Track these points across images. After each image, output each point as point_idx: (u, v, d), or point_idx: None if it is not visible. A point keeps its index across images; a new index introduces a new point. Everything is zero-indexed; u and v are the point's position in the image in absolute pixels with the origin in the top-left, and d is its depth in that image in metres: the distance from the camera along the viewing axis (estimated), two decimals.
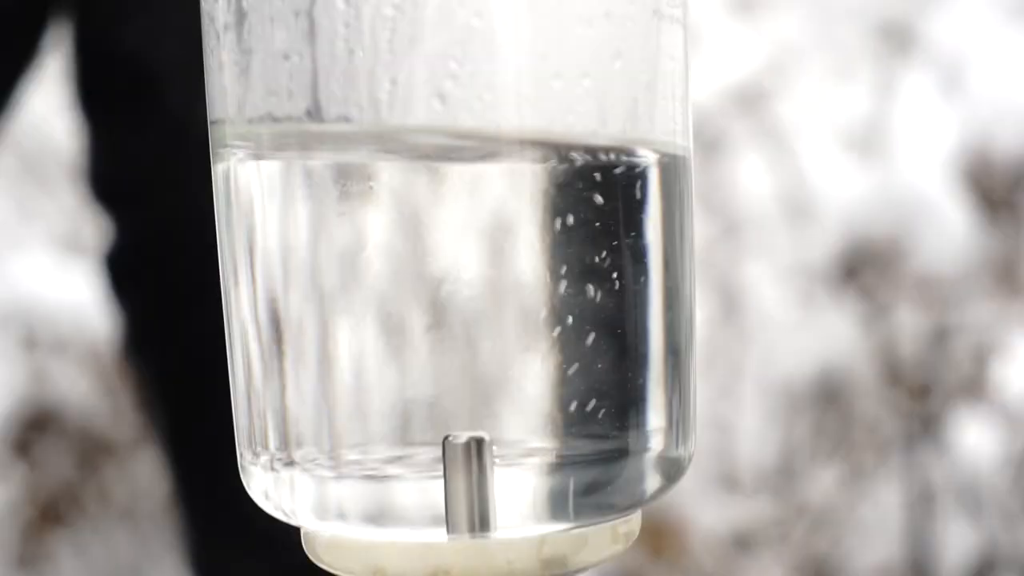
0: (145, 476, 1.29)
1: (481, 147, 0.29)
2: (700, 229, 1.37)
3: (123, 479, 1.32)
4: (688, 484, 1.30)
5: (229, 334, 0.31)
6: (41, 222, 1.39)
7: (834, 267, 1.36)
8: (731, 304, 1.38)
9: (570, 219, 0.29)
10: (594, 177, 0.29)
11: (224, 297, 0.32)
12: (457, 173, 0.29)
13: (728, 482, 1.35)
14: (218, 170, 0.31)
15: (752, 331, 1.38)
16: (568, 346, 0.30)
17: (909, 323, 1.36)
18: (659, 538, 1.29)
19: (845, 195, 1.35)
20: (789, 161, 1.37)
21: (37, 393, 1.32)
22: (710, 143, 1.37)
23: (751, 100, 1.39)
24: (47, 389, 1.32)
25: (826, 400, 1.37)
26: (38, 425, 1.33)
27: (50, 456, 1.33)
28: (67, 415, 1.32)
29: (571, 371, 0.30)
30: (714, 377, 1.37)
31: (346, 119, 0.29)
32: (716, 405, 1.37)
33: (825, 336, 1.35)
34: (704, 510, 1.32)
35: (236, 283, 0.31)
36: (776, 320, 1.37)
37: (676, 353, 0.32)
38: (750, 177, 1.38)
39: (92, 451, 1.33)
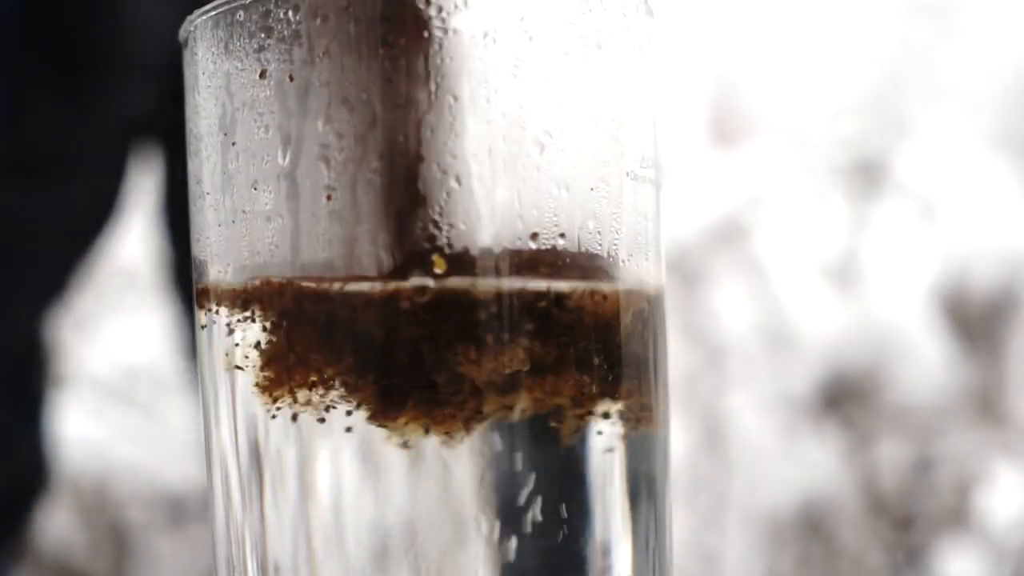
0: None
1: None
2: (683, 359, 1.37)
3: None
4: None
5: (208, 463, 0.32)
6: None
7: (815, 398, 1.36)
8: (714, 434, 1.38)
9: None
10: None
11: (204, 428, 0.32)
12: None
13: None
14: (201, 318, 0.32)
15: (736, 461, 1.38)
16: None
17: (891, 454, 1.36)
18: None
19: (824, 326, 1.36)
20: (768, 293, 1.38)
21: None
22: (692, 275, 1.38)
23: (730, 233, 1.40)
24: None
25: (810, 531, 1.37)
26: (14, 556, 1.31)
27: None
28: (44, 547, 1.31)
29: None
30: (699, 507, 1.36)
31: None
32: (701, 535, 1.36)
33: (808, 466, 1.35)
34: None
35: (216, 416, 0.32)
36: (759, 450, 1.37)
37: (651, 487, 0.33)
38: (731, 308, 1.39)
39: None
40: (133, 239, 1.29)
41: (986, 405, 1.38)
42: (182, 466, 1.22)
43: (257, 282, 0.30)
